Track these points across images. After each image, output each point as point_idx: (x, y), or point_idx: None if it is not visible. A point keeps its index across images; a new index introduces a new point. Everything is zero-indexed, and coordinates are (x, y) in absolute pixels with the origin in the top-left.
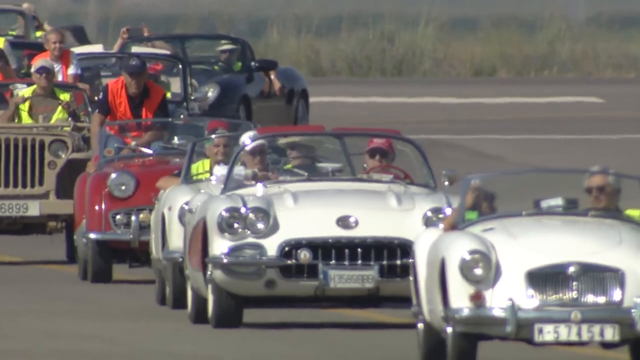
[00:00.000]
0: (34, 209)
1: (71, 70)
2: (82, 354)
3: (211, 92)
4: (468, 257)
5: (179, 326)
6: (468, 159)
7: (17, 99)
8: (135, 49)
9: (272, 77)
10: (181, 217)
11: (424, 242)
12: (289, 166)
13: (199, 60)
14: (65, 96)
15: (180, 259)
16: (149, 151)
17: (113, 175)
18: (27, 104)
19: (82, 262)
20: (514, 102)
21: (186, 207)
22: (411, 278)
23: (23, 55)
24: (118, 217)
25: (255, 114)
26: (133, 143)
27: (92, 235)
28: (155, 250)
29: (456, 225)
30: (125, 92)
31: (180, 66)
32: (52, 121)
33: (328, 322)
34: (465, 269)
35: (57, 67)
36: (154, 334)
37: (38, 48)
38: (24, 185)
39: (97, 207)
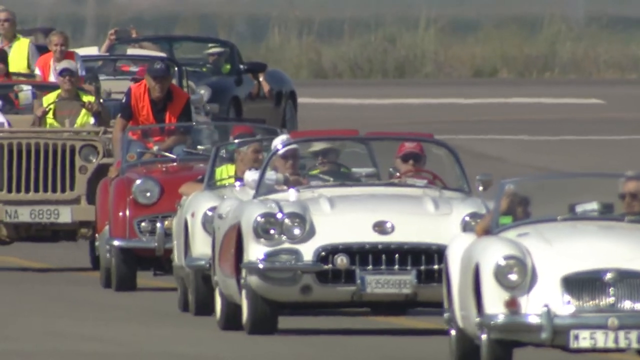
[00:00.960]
0: (65, 215)
1: None
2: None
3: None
4: (503, 262)
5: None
6: (470, 160)
7: (42, 109)
8: (129, 51)
9: (261, 79)
10: (205, 224)
11: (457, 248)
12: (315, 171)
13: (187, 63)
14: (89, 98)
15: (208, 265)
16: (173, 156)
17: (137, 182)
18: (51, 106)
19: (104, 269)
20: (515, 103)
21: (210, 214)
22: (443, 283)
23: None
24: (143, 224)
25: (245, 116)
26: (155, 148)
27: (116, 243)
28: (177, 257)
29: (490, 230)
30: (149, 96)
31: (176, 68)
32: (78, 124)
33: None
34: (500, 275)
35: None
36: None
37: (42, 50)
38: (54, 191)
39: (121, 214)
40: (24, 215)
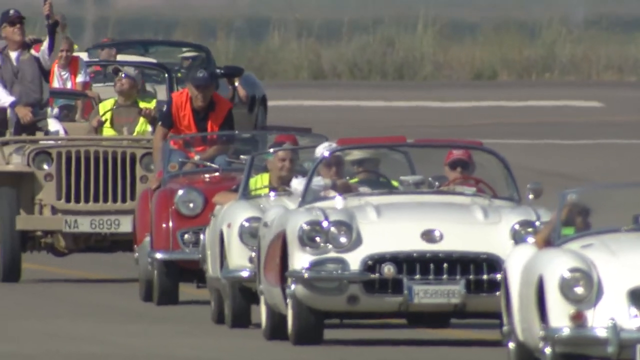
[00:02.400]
0: (126, 225)
1: (80, 78)
2: None
3: None
4: (568, 275)
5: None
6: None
7: (97, 119)
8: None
9: (237, 84)
10: (242, 235)
11: (517, 259)
12: (354, 180)
13: None
14: (146, 104)
15: (248, 275)
16: (216, 166)
17: (180, 192)
18: (108, 115)
19: (144, 281)
20: (514, 106)
21: (247, 224)
22: (502, 296)
23: None
24: (186, 235)
25: None
26: (197, 157)
27: (159, 255)
28: (211, 269)
29: (551, 241)
30: (190, 104)
31: (166, 75)
32: (136, 132)
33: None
34: (566, 288)
35: (65, 74)
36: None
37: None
38: (115, 200)
39: (164, 226)
40: (84, 225)
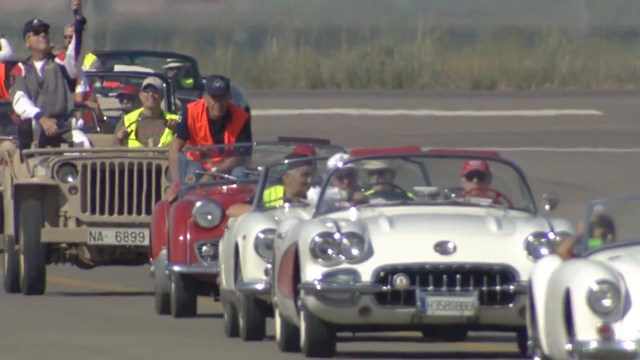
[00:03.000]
0: None
1: (80, 89)
2: None
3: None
4: (596, 287)
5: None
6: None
7: (123, 130)
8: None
9: None
10: (257, 247)
11: (543, 272)
12: (370, 192)
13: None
14: (172, 116)
15: (263, 287)
16: (233, 178)
17: (198, 204)
18: (133, 126)
19: (160, 295)
20: (513, 115)
21: (262, 236)
22: (527, 308)
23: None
24: (204, 248)
25: None
26: (214, 169)
27: (177, 268)
28: (225, 281)
29: (577, 253)
30: (207, 115)
31: (164, 85)
32: (161, 144)
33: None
34: (593, 300)
35: None
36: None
37: None
38: (139, 212)
39: (181, 238)
40: (109, 237)
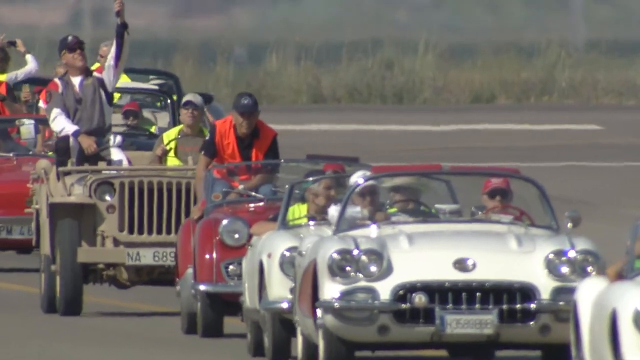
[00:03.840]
0: None
1: None
2: None
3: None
4: None
5: None
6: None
7: (161, 148)
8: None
9: (206, 110)
10: (282, 265)
11: (588, 292)
12: (393, 209)
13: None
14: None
15: (288, 306)
16: (260, 196)
17: (224, 222)
18: (172, 144)
19: (186, 315)
20: (513, 129)
21: (288, 254)
22: (570, 329)
23: (34, 91)
24: (231, 267)
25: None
26: (241, 187)
27: (203, 287)
28: (249, 300)
29: (624, 274)
30: (234, 132)
31: (169, 101)
32: None
33: None
34: (639, 321)
35: None
36: None
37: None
38: (178, 232)
39: (207, 257)
40: (147, 257)
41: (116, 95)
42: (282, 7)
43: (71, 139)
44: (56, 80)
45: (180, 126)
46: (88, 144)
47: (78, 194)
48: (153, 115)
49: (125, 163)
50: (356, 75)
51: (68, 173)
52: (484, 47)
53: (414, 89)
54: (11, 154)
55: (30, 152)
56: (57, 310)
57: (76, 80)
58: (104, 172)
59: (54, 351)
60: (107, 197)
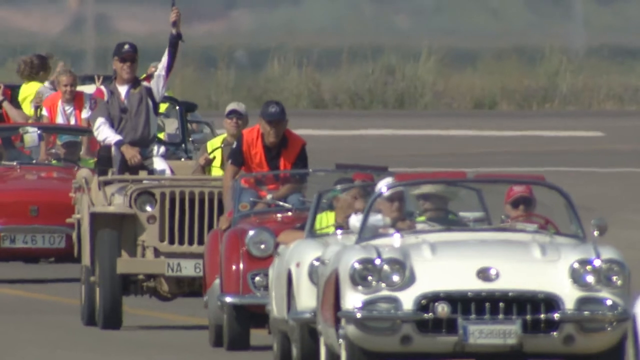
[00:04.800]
0: None
1: (85, 114)
2: None
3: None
4: None
5: None
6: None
7: (205, 157)
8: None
9: (189, 119)
10: (312, 274)
11: None
12: (422, 218)
13: None
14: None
15: (312, 316)
16: (288, 206)
17: (251, 233)
18: (216, 153)
19: (213, 327)
20: (514, 135)
21: (317, 263)
22: (629, 344)
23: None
24: (257, 278)
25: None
26: (269, 196)
27: (229, 299)
28: (277, 310)
29: None
30: (262, 141)
31: (177, 107)
32: None
33: None
34: None
35: (69, 109)
36: None
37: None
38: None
39: (234, 268)
40: (188, 269)
41: (163, 106)
42: (283, 12)
43: (113, 149)
44: (102, 88)
45: (224, 135)
46: (132, 154)
47: (118, 203)
48: (161, 122)
49: (168, 173)
50: (357, 81)
51: (109, 182)
52: (485, 52)
53: (415, 94)
54: (15, 163)
55: (34, 161)
56: (96, 323)
57: (122, 89)
58: (145, 181)
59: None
60: (148, 207)
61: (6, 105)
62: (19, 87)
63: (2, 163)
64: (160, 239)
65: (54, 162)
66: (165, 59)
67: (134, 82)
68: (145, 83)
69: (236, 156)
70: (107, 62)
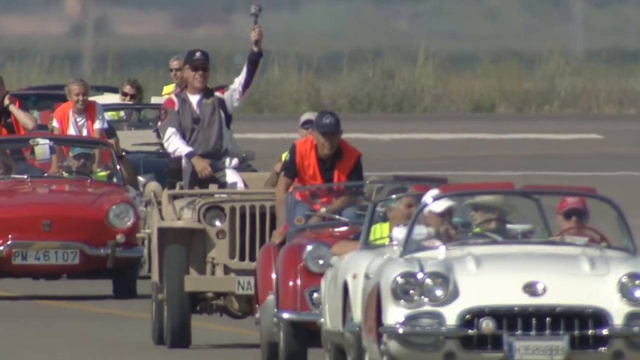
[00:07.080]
0: None
1: (97, 125)
2: None
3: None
4: None
5: None
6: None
7: (280, 165)
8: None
9: None
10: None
11: None
12: (478, 230)
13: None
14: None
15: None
16: (345, 219)
17: (308, 248)
18: None
19: (266, 344)
20: (513, 138)
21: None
22: None
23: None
24: (315, 294)
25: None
26: (323, 210)
27: (286, 316)
28: (330, 323)
29: None
30: (315, 153)
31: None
32: None
33: None
34: None
35: (80, 120)
36: None
37: (62, 99)
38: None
39: (291, 284)
40: None
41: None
42: (282, 16)
43: (184, 161)
44: (173, 97)
45: None
46: (202, 166)
47: (187, 218)
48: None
49: (240, 186)
50: (357, 85)
51: (179, 196)
52: (484, 56)
53: (414, 98)
54: (25, 176)
55: (46, 175)
56: (164, 342)
57: (194, 99)
58: (215, 195)
59: None
60: (217, 222)
61: (12, 108)
62: (29, 94)
63: (13, 176)
64: (230, 256)
65: (65, 174)
66: (243, 74)
67: (206, 92)
68: (218, 93)
69: (289, 168)
70: (107, 64)
